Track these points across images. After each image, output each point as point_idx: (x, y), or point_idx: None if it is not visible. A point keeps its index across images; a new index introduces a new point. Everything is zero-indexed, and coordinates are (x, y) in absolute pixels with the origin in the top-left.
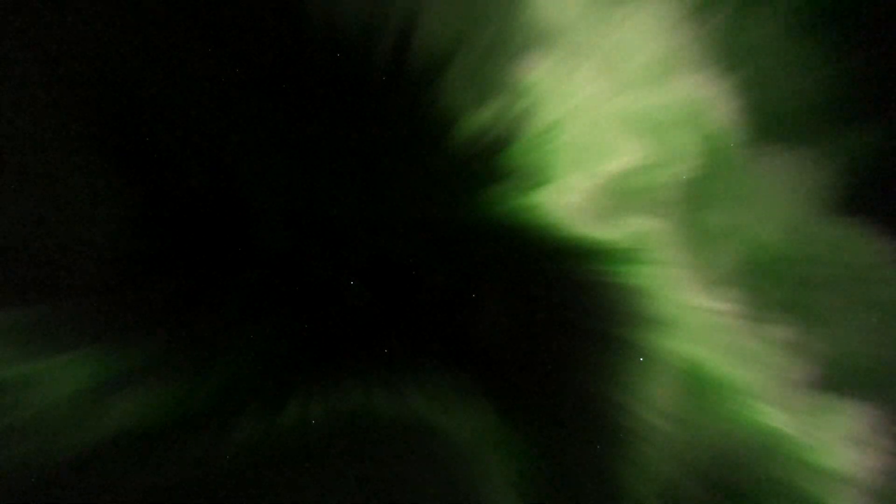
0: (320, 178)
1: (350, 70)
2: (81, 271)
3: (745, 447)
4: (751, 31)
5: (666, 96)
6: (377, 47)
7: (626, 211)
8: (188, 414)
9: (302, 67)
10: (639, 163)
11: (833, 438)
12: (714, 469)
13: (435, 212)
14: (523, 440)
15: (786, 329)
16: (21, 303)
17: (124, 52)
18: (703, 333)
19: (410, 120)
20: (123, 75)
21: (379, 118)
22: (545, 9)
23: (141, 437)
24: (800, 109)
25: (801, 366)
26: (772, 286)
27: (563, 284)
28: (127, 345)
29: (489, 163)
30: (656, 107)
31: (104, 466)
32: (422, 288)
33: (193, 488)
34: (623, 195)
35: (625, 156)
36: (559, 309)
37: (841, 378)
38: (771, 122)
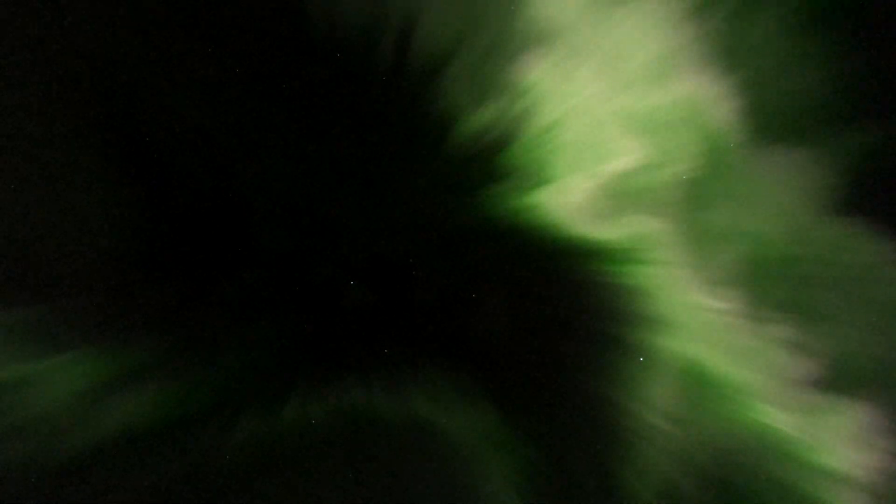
0: (320, 178)
1: (350, 70)
2: (81, 271)
3: (745, 447)
4: (751, 31)
5: (666, 96)
6: (377, 47)
7: (626, 211)
8: (188, 414)
9: (302, 67)
10: (639, 163)
11: (833, 438)
12: (714, 469)
13: (435, 212)
14: (523, 440)
15: (786, 329)
16: (21, 303)
17: (124, 52)
18: (704, 333)
19: (410, 120)
20: (124, 75)
21: (379, 118)
22: (545, 9)
23: (141, 437)
24: (800, 109)
25: (802, 365)
26: (772, 286)
27: (563, 284)
28: (127, 345)
29: (489, 163)
30: (656, 107)
31: (104, 466)
32: (422, 288)
33: (193, 488)
34: (623, 195)
35: (625, 156)
36: (559, 309)
37: (841, 378)
38: (771, 122)
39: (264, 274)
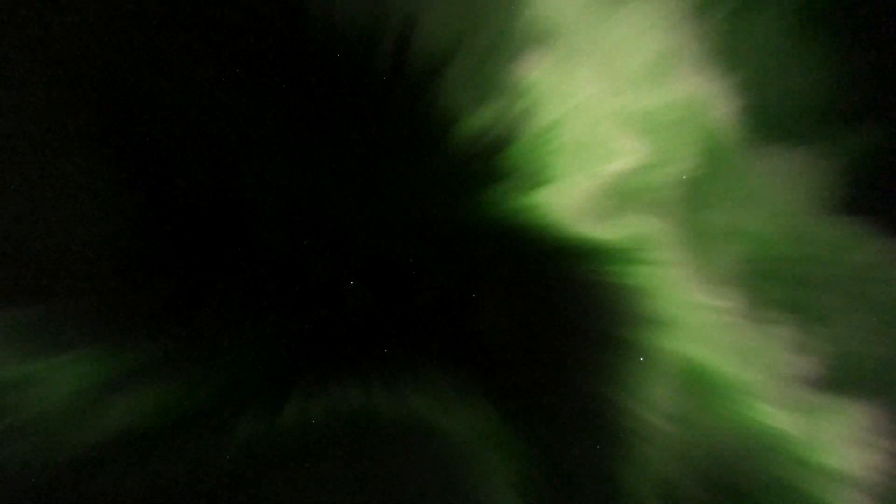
0: (320, 177)
1: (350, 70)
2: (81, 271)
3: (745, 447)
4: (751, 31)
5: (666, 96)
6: (377, 47)
7: (626, 211)
8: (188, 414)
9: (302, 67)
10: (639, 163)
11: (833, 438)
12: (714, 469)
13: (435, 212)
14: (523, 440)
15: (786, 329)
16: (21, 303)
17: (124, 52)
18: (704, 333)
19: (410, 120)
20: (123, 75)
21: (379, 118)
22: (545, 9)
23: (141, 437)
24: (800, 109)
25: (802, 365)
26: (772, 286)
27: (563, 284)
28: (127, 345)
29: (489, 163)
30: (656, 106)
31: (104, 466)
32: (422, 288)
33: (193, 488)
34: (623, 195)
35: (624, 156)
36: (559, 309)
37: (841, 378)
38: (771, 122)
39: (264, 274)
